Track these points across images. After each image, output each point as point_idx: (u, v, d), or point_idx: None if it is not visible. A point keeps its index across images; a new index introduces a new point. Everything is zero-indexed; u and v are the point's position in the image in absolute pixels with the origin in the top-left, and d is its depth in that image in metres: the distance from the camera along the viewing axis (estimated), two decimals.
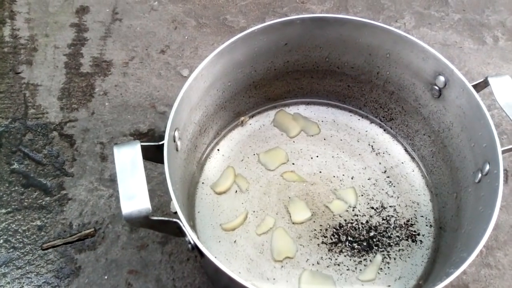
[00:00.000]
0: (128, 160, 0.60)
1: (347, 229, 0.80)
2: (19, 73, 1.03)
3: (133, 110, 0.97)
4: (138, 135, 0.94)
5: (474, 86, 0.72)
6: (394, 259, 0.78)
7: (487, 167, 0.67)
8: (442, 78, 0.76)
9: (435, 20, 1.16)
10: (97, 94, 1.00)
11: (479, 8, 1.19)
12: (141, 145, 0.61)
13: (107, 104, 0.98)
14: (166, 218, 0.60)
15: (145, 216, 0.57)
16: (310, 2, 1.18)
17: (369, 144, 0.90)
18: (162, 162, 0.63)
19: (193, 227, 0.79)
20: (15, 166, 0.90)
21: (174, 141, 0.69)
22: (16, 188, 0.87)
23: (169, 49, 1.08)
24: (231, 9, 1.16)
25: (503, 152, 0.66)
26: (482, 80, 0.73)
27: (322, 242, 0.79)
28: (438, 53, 0.75)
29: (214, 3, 1.17)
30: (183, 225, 0.60)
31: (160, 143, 0.65)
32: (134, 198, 0.57)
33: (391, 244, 0.79)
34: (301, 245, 0.79)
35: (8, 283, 0.78)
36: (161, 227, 0.63)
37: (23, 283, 0.78)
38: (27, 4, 1.15)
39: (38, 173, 0.89)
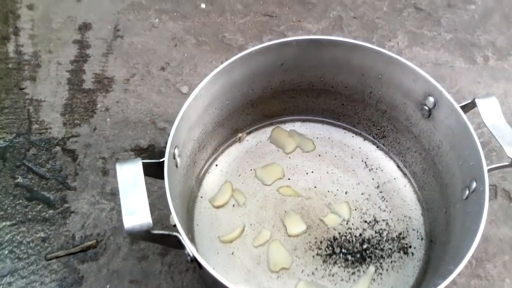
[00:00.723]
0: (130, 176, 0.63)
1: (341, 242, 0.83)
2: (23, 89, 1.06)
3: (134, 126, 1.00)
4: (138, 151, 0.97)
5: (462, 107, 0.76)
6: (387, 270, 0.81)
7: (474, 184, 0.70)
8: (431, 99, 0.79)
9: (427, 39, 1.19)
10: (99, 110, 1.03)
11: (470, 28, 1.22)
12: (143, 162, 0.64)
13: (108, 120, 1.01)
14: (167, 232, 0.63)
15: (146, 230, 0.60)
16: (306, 21, 1.21)
17: (362, 161, 0.93)
18: (162, 178, 0.66)
19: (192, 239, 0.82)
20: (19, 180, 0.92)
21: (174, 158, 0.72)
22: (21, 201, 0.90)
23: (169, 66, 1.11)
24: (230, 27, 1.19)
25: (489, 170, 0.69)
26: (470, 101, 0.76)
27: (317, 254, 0.82)
28: (429, 73, 0.78)
29: (213, 21, 1.20)
30: (183, 239, 0.62)
31: (161, 160, 0.67)
32: (135, 213, 0.60)
33: (384, 256, 0.82)
34: (296, 256, 0.81)
35: None
36: (161, 240, 0.65)
37: None
38: (31, 21, 1.18)
39: (41, 187, 0.91)
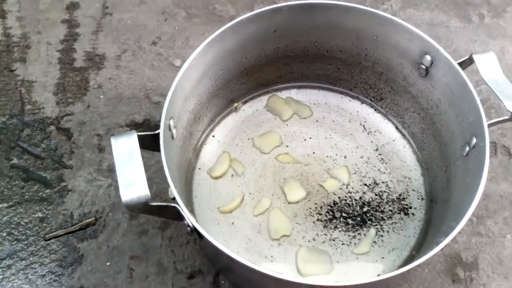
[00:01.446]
0: (125, 150, 0.62)
1: (341, 206, 0.82)
2: (14, 70, 1.04)
3: (128, 102, 0.99)
4: (134, 126, 0.95)
5: (460, 64, 0.74)
6: (387, 232, 0.80)
7: (474, 140, 0.70)
8: (428, 57, 0.78)
9: (421, 0, 1.18)
10: (92, 87, 1.01)
11: None
12: (138, 135, 0.63)
13: (102, 97, 1.00)
14: (165, 203, 0.62)
15: (145, 203, 0.59)
16: None
17: (360, 124, 0.92)
18: (159, 151, 0.65)
19: (192, 211, 0.81)
20: (15, 161, 0.91)
21: (170, 129, 0.71)
22: (17, 182, 0.89)
23: (160, 40, 1.09)
24: None
25: (489, 125, 0.68)
26: (467, 57, 0.75)
27: (318, 220, 0.81)
28: (424, 33, 0.77)
29: None
30: (182, 209, 0.62)
31: (156, 132, 0.66)
32: (133, 185, 0.59)
33: (384, 218, 0.81)
34: (297, 223, 0.81)
35: (13, 274, 0.79)
36: (160, 212, 0.65)
37: (28, 273, 0.80)
38: (18, 2, 1.16)
39: (37, 167, 0.91)
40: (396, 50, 0.83)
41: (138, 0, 1.17)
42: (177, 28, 1.12)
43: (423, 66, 0.80)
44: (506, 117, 0.70)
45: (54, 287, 0.79)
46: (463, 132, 0.74)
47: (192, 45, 1.08)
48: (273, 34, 0.85)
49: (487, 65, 0.74)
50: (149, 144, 0.67)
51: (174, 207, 0.62)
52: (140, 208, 0.60)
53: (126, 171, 0.60)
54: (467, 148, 0.71)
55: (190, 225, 0.62)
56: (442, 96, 0.79)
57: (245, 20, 0.79)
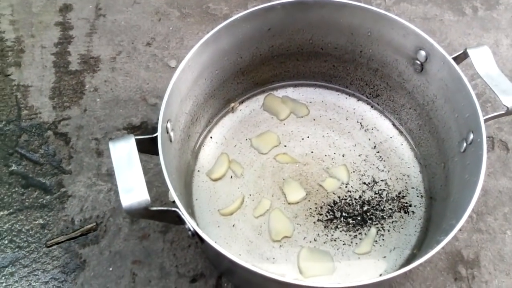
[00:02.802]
0: (124, 154, 0.62)
1: (341, 206, 0.83)
2: (9, 75, 1.04)
3: (125, 104, 0.99)
4: (131, 129, 0.95)
5: (454, 59, 0.74)
6: (388, 231, 0.81)
7: (471, 136, 0.70)
8: (423, 53, 0.78)
9: None
10: (88, 90, 1.01)
11: None
12: (136, 139, 0.63)
13: (98, 100, 1.00)
14: (165, 208, 0.62)
15: (145, 207, 0.59)
16: None
17: (357, 122, 0.92)
18: (157, 154, 0.65)
19: (192, 214, 0.82)
20: (14, 167, 0.91)
21: (167, 132, 0.71)
22: (16, 189, 0.89)
23: (155, 41, 1.09)
24: None
25: (485, 120, 0.69)
26: (461, 52, 0.75)
27: (318, 220, 0.81)
28: (418, 28, 0.77)
29: None
30: (182, 213, 0.62)
31: (154, 135, 0.66)
32: (132, 190, 0.59)
33: (385, 216, 0.82)
34: (297, 224, 0.81)
35: (16, 281, 0.80)
36: (161, 217, 0.65)
37: (31, 280, 0.80)
38: (10, 6, 1.15)
39: (36, 173, 0.91)
40: (390, 46, 0.83)
41: (131, 1, 1.16)
42: (171, 28, 1.11)
43: (418, 62, 0.80)
44: (502, 112, 0.70)
45: None
46: (459, 127, 0.74)
47: (187, 45, 1.08)
48: (268, 33, 0.85)
49: (482, 59, 0.74)
50: (147, 147, 0.67)
51: (175, 211, 0.62)
52: (140, 213, 0.60)
53: (125, 176, 0.60)
54: (465, 144, 0.72)
55: (191, 229, 0.62)
56: (437, 91, 0.79)
57: (239, 19, 0.79)
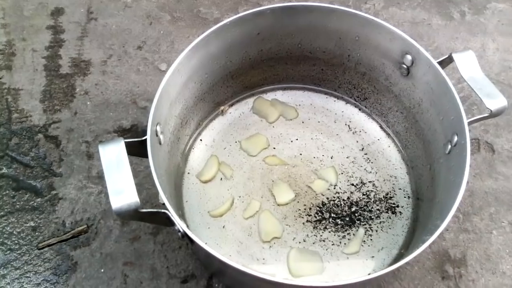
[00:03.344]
0: (113, 157, 0.62)
1: (330, 207, 0.84)
2: (0, 78, 1.04)
3: (115, 107, 1.00)
4: (122, 131, 0.96)
5: (440, 63, 0.76)
6: (376, 231, 0.82)
7: (455, 138, 0.71)
8: (409, 57, 0.79)
9: None
10: (78, 94, 1.02)
11: None
12: (125, 142, 0.64)
13: (88, 103, 1.00)
14: (155, 210, 0.63)
15: (135, 209, 0.59)
16: None
17: (345, 124, 0.93)
18: (147, 157, 0.66)
19: (182, 216, 0.82)
20: (4, 170, 0.92)
21: (157, 135, 0.71)
22: (7, 192, 0.89)
23: (145, 44, 1.10)
24: (204, 1, 1.18)
25: (469, 123, 0.70)
26: (446, 56, 0.77)
27: (307, 221, 0.83)
28: (407, 32, 0.79)
29: None
30: (172, 215, 0.62)
31: (143, 138, 0.67)
32: (122, 193, 0.60)
33: (372, 217, 0.83)
34: (287, 225, 0.82)
35: (8, 283, 0.80)
36: (151, 219, 0.65)
37: (23, 282, 0.80)
38: (2, 10, 1.16)
39: (27, 176, 0.91)
40: (378, 50, 0.84)
41: (122, 5, 1.17)
42: (162, 32, 1.12)
43: (404, 66, 0.82)
44: (486, 115, 0.72)
45: None
46: (444, 130, 0.75)
47: (178, 48, 1.09)
48: (257, 37, 0.86)
49: (467, 63, 0.76)
50: (137, 150, 0.68)
51: (164, 213, 0.63)
52: (130, 215, 0.61)
53: (115, 178, 0.61)
54: (449, 146, 0.73)
55: (181, 230, 0.63)
56: (423, 95, 0.80)
57: (228, 23, 0.80)
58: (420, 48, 0.77)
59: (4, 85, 1.03)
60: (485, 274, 0.82)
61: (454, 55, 0.75)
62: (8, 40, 1.11)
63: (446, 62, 0.77)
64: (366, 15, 0.80)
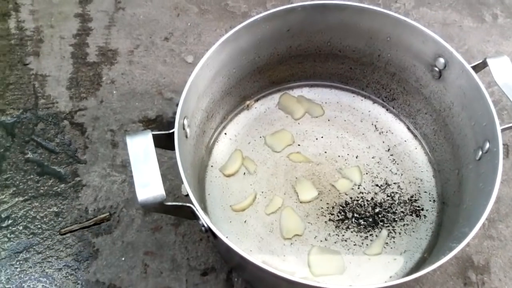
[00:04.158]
0: (141, 149, 0.63)
1: (353, 206, 0.83)
2: (27, 64, 1.05)
3: (141, 97, 1.00)
4: (146, 122, 0.96)
5: (473, 67, 0.75)
6: (399, 233, 0.81)
7: (487, 145, 0.70)
8: (442, 60, 0.78)
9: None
10: (105, 82, 1.02)
11: None
12: (153, 134, 0.64)
13: (115, 92, 1.01)
14: (180, 203, 0.63)
15: (160, 202, 0.60)
16: None
17: (372, 124, 0.93)
18: (173, 149, 0.66)
19: (205, 209, 0.82)
20: (29, 155, 0.92)
21: (184, 128, 0.72)
22: (32, 176, 0.90)
23: (172, 36, 1.10)
24: None
25: (502, 130, 0.69)
26: (481, 61, 0.75)
27: (329, 220, 0.82)
28: (437, 33, 0.77)
29: None
30: (197, 210, 0.63)
31: (171, 131, 0.67)
32: (148, 185, 0.60)
33: (396, 219, 0.82)
34: (309, 223, 0.82)
35: (30, 267, 0.81)
36: (175, 212, 0.66)
37: (45, 267, 0.81)
38: None
39: (52, 161, 0.92)
40: (409, 52, 0.83)
41: None
42: (189, 24, 1.12)
43: (437, 69, 0.80)
44: None
45: (70, 281, 0.80)
46: (476, 136, 0.74)
47: (204, 41, 1.09)
48: (287, 34, 0.86)
49: (501, 69, 0.74)
50: (164, 143, 0.68)
51: (189, 207, 0.63)
52: (155, 208, 0.61)
53: (141, 170, 0.61)
54: (480, 153, 0.72)
55: (205, 225, 0.63)
56: (455, 99, 0.79)
57: (259, 19, 0.80)
58: (454, 52, 0.75)
59: (31, 70, 1.04)
60: (508, 282, 0.81)
61: (488, 60, 0.74)
62: (37, 27, 1.11)
63: (480, 66, 0.76)
64: (399, 15, 0.79)
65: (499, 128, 0.68)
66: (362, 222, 0.82)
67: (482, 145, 0.71)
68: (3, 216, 0.86)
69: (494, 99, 0.99)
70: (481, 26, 1.13)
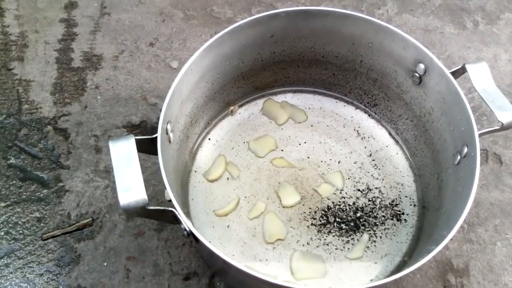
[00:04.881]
0: (123, 153, 0.63)
1: (335, 211, 0.84)
2: (11, 69, 1.05)
3: (125, 103, 1.00)
4: (131, 127, 0.96)
5: (453, 73, 0.76)
6: (380, 237, 0.82)
7: (465, 149, 0.71)
8: (422, 66, 0.79)
9: (417, 6, 1.19)
10: (89, 88, 1.02)
11: None
12: (135, 139, 0.64)
13: (99, 97, 1.01)
14: (162, 208, 0.63)
15: (142, 207, 0.60)
16: None
17: (354, 129, 0.93)
18: (156, 154, 0.66)
19: (188, 214, 0.83)
20: (12, 160, 0.92)
21: (167, 133, 0.72)
22: (14, 182, 0.90)
23: (157, 41, 1.10)
24: (218, 0, 1.18)
25: (480, 135, 0.70)
26: (460, 67, 0.77)
27: (312, 224, 0.83)
28: (419, 39, 0.79)
29: None
30: (178, 213, 0.63)
31: (154, 136, 0.67)
32: (131, 190, 0.60)
33: (377, 223, 0.83)
34: (291, 227, 0.82)
35: (11, 272, 0.81)
36: (157, 216, 0.66)
37: (26, 272, 0.81)
38: (16, 1, 1.16)
39: (34, 167, 0.91)
40: (390, 58, 0.84)
41: (136, 1, 1.17)
42: (174, 29, 1.12)
43: (417, 74, 0.82)
44: (497, 127, 0.72)
45: (51, 286, 0.80)
46: (454, 140, 0.75)
47: (190, 46, 1.09)
48: (270, 39, 0.86)
49: (479, 75, 0.76)
50: (147, 147, 0.68)
51: (171, 211, 0.63)
52: (137, 212, 0.61)
53: (124, 175, 0.61)
54: (459, 157, 0.73)
55: (187, 229, 0.63)
56: (434, 104, 0.80)
57: (243, 25, 0.80)
58: (434, 58, 0.76)
59: (15, 76, 1.04)
60: (487, 285, 0.82)
61: (467, 66, 0.75)
62: (21, 32, 1.11)
63: (459, 72, 0.77)
64: (381, 22, 0.80)
65: (476, 133, 0.69)
66: (344, 227, 0.82)
67: (461, 150, 0.72)
68: None
69: (474, 105, 1.00)
70: (462, 33, 1.14)
